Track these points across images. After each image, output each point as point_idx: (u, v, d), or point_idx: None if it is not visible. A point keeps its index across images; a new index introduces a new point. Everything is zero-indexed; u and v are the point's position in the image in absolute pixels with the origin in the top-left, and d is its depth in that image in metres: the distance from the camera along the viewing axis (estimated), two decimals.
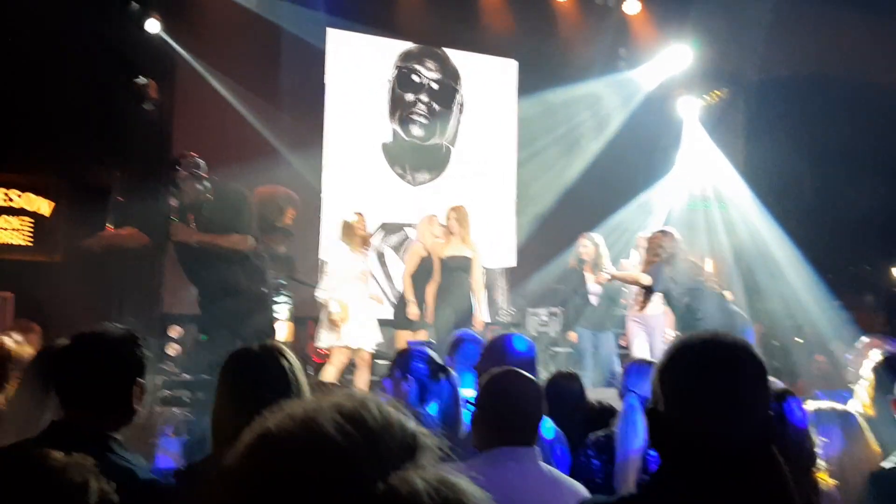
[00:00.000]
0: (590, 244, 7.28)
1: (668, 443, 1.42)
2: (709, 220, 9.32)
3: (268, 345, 2.20)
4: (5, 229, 7.46)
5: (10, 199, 7.51)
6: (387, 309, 7.32)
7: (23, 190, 7.57)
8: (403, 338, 6.55)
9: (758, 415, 1.40)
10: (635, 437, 2.83)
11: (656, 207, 9.09)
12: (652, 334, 7.18)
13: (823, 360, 7.12)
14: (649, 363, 3.12)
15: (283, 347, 2.18)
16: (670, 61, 9.56)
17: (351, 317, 6.29)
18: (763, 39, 8.87)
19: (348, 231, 6.62)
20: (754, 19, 8.73)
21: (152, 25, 7.67)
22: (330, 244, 7.57)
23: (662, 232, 6.82)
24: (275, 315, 5.31)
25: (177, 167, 5.04)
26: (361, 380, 6.37)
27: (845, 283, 8.81)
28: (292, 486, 0.61)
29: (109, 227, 7.29)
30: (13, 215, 7.49)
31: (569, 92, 9.23)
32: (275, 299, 5.37)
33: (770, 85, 9.57)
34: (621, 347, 7.43)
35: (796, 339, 8.06)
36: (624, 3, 9.70)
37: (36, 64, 7.09)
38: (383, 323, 7.03)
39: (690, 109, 9.85)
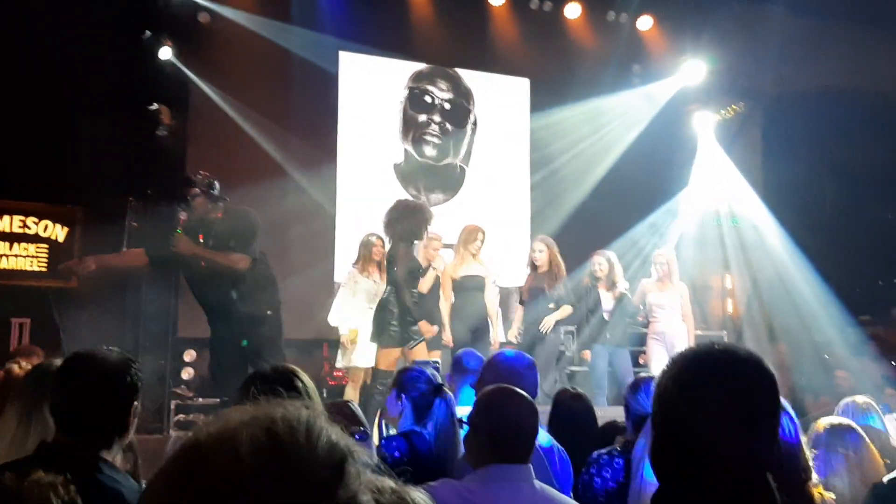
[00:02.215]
0: (604, 261, 7.21)
1: (673, 458, 1.35)
2: (724, 236, 9.21)
3: (281, 367, 2.20)
4: (21, 256, 7.54)
5: (26, 227, 7.59)
6: None
7: (38, 217, 7.66)
8: (415, 357, 6.50)
9: (769, 430, 1.33)
10: None
11: (671, 224, 8.99)
12: (671, 351, 7.09)
13: (845, 376, 6.98)
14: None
15: (297, 369, 2.17)
16: (684, 76, 9.51)
17: (361, 338, 6.33)
18: (780, 53, 8.79)
19: (365, 254, 6.65)
20: (771, 33, 8.66)
21: (165, 52, 7.76)
22: (343, 267, 7.58)
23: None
24: (280, 337, 5.29)
25: (189, 184, 5.12)
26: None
27: (865, 300, 8.65)
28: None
29: (124, 252, 7.34)
30: (29, 242, 7.57)
31: (582, 109, 9.20)
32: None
33: (788, 99, 9.48)
34: (639, 365, 7.33)
35: (825, 356, 7.92)
36: (637, 19, 9.69)
37: (49, 92, 7.19)
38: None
39: (706, 124, 9.77)
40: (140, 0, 7.73)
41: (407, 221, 6.27)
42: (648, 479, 2.73)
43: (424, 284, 6.61)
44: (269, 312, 5.16)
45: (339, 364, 6.78)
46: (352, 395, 6.38)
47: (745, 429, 1.30)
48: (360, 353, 6.48)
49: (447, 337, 6.74)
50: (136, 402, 1.93)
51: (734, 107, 9.85)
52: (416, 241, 6.46)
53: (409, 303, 6.14)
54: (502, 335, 7.28)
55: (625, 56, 9.67)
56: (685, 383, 1.34)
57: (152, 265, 5.52)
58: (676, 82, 9.61)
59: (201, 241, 5.11)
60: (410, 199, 7.25)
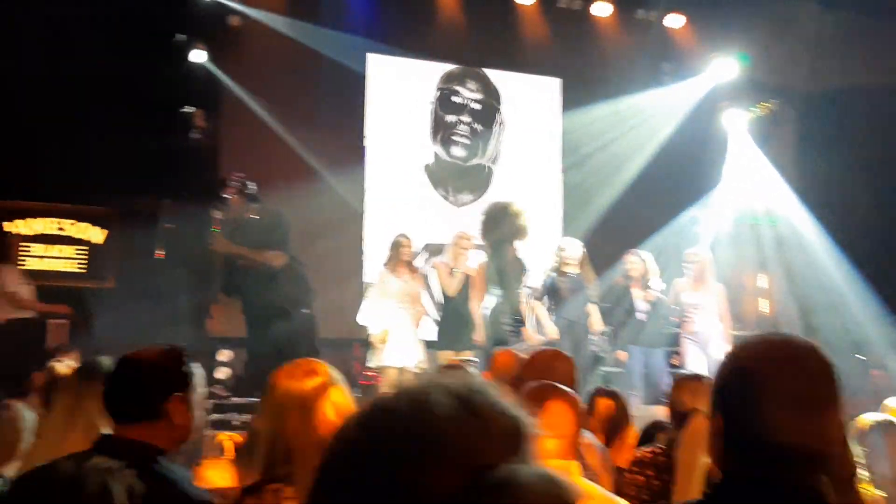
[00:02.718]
0: (637, 261, 7.16)
1: (733, 447, 1.32)
2: (758, 235, 9.10)
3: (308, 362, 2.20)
4: (60, 258, 7.66)
5: (64, 229, 7.72)
6: (432, 329, 7.30)
7: (75, 220, 7.78)
8: (446, 360, 6.52)
9: (832, 417, 1.30)
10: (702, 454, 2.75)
11: (704, 223, 8.90)
12: (706, 351, 7.03)
13: (881, 375, 6.87)
14: (706, 377, 3.04)
15: (325, 365, 2.18)
16: (715, 74, 9.42)
17: (392, 338, 6.37)
18: (813, 49, 8.68)
19: (395, 254, 6.68)
20: (803, 29, 8.56)
21: (197, 56, 7.84)
22: (372, 267, 7.62)
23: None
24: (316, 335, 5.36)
25: (225, 185, 5.25)
26: None
27: None
28: (393, 462, 0.60)
29: (159, 252, 7.44)
30: (66, 244, 7.69)
31: (612, 108, 9.14)
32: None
33: (822, 96, 9.35)
34: (673, 366, 7.27)
35: (858, 356, 7.80)
36: (666, 17, 9.62)
37: (85, 96, 7.31)
38: (430, 345, 7.03)
39: (737, 122, 9.66)
40: (173, 4, 7.81)
41: (508, 222, 6.35)
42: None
43: (453, 286, 6.62)
44: (303, 310, 5.24)
45: (370, 364, 6.81)
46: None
47: (807, 414, 1.28)
48: (391, 353, 6.51)
49: (480, 336, 6.74)
50: (192, 394, 1.94)
51: (766, 104, 9.73)
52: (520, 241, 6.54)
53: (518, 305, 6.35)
54: (535, 335, 7.27)
55: (655, 54, 9.60)
56: (745, 369, 1.32)
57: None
58: (707, 80, 9.51)
59: (237, 240, 5.22)
60: (500, 200, 7.25)
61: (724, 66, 9.36)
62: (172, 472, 1.85)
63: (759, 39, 9.00)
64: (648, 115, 9.36)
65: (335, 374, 2.05)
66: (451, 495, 0.58)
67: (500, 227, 6.21)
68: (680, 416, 2.90)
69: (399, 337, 6.52)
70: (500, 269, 6.50)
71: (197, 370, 1.98)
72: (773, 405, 1.27)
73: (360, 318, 6.71)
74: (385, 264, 6.78)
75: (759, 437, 1.27)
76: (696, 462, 2.73)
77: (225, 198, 5.24)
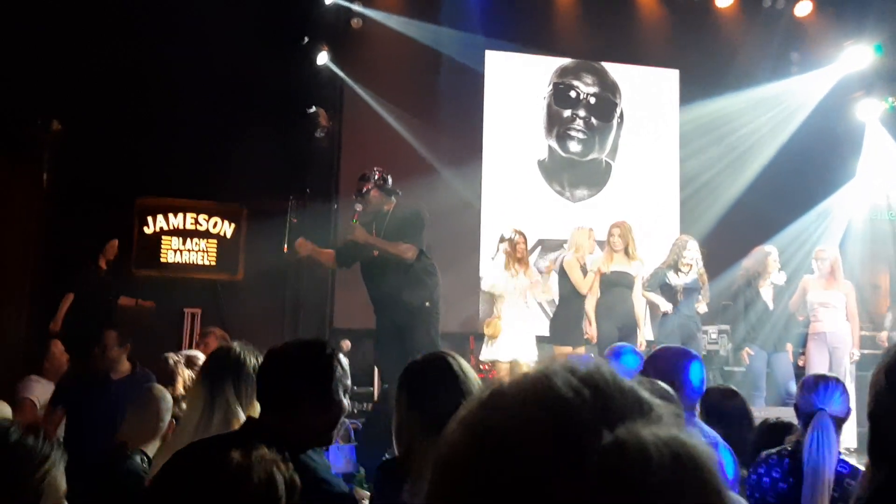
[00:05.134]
0: (762, 257, 6.92)
1: (890, 451, 1.31)
2: (894, 232, 8.60)
3: (431, 355, 2.28)
4: (194, 251, 8.12)
5: (198, 223, 8.18)
6: (545, 325, 7.32)
7: (209, 215, 8.23)
8: (563, 354, 6.52)
9: None
10: (829, 456, 2.67)
11: (835, 218, 8.49)
12: (834, 353, 6.73)
13: None
14: (834, 378, 2.94)
15: (448, 353, 2.24)
16: (847, 63, 8.95)
17: (504, 332, 6.43)
18: None
19: (508, 250, 6.74)
20: None
21: (322, 58, 8.13)
22: (487, 262, 7.70)
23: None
24: (435, 329, 5.49)
25: (365, 179, 5.47)
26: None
27: None
28: (518, 433, 0.61)
29: (286, 247, 7.77)
30: (200, 238, 8.15)
31: (735, 100, 8.85)
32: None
33: None
34: (798, 367, 7.00)
35: None
36: (795, 5, 9.22)
37: (218, 99, 7.72)
38: (543, 340, 7.04)
39: (872, 113, 9.15)
40: (298, 9, 8.12)
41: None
42: (821, 477, 2.63)
43: (586, 284, 6.63)
44: (427, 304, 5.37)
45: (482, 357, 6.91)
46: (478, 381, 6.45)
47: None
48: (504, 347, 6.57)
49: (591, 332, 6.72)
50: (336, 384, 2.00)
51: None
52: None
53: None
54: (649, 334, 7.16)
55: (782, 44, 9.23)
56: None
57: (338, 263, 5.91)
58: (838, 70, 9.05)
59: (374, 233, 5.46)
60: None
61: (856, 55, 8.89)
62: (316, 463, 1.92)
63: (894, 26, 8.49)
64: (775, 106, 9.00)
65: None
66: (574, 464, 0.58)
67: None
68: (807, 418, 2.82)
69: (512, 331, 6.58)
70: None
71: (342, 362, 2.04)
72: None
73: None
74: (498, 259, 6.85)
75: None
76: (823, 466, 2.66)
77: (365, 191, 5.48)
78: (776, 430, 3.30)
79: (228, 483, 1.37)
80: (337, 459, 3.86)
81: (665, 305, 6.72)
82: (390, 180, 5.58)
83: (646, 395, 0.66)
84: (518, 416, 0.63)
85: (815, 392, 2.87)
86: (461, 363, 2.20)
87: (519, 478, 0.59)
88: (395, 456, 2.19)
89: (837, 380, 2.96)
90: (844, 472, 2.75)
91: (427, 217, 5.56)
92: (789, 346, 7.01)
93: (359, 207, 5.47)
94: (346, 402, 2.02)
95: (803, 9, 9.26)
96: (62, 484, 1.36)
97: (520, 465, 0.60)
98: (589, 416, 0.61)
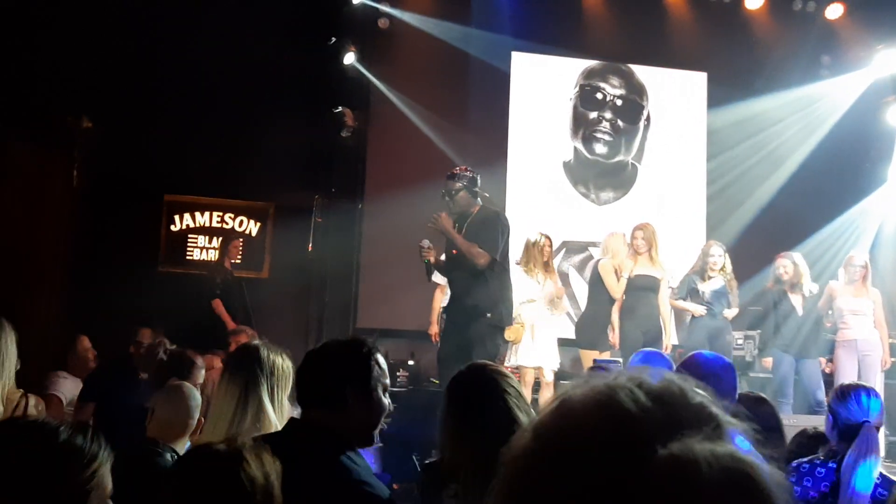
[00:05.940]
0: (789, 264, 6.86)
1: None
2: None
3: (478, 365, 2.29)
4: (220, 249, 8.16)
5: (224, 222, 8.23)
6: (570, 328, 7.28)
7: (235, 214, 8.28)
8: (589, 358, 6.49)
9: None
10: (874, 466, 2.65)
11: (865, 224, 8.38)
12: (864, 361, 6.65)
13: None
14: (873, 389, 2.91)
15: (500, 368, 2.24)
16: (879, 67, 8.83)
17: (527, 337, 6.39)
18: None
19: (533, 253, 6.70)
20: None
21: (349, 58, 8.15)
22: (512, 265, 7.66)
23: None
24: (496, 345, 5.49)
25: (454, 178, 5.45)
26: (545, 399, 6.39)
27: None
28: (580, 442, 0.63)
29: (311, 246, 7.81)
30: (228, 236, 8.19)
31: (764, 104, 8.76)
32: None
33: None
34: (826, 375, 6.92)
35: None
36: (826, 7, 9.11)
37: (245, 98, 7.77)
38: (568, 343, 7.02)
39: None
40: (326, 9, 8.15)
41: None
42: (861, 490, 2.60)
43: (620, 289, 6.61)
44: (488, 315, 5.35)
45: (508, 363, 6.84)
46: (524, 394, 6.43)
47: None
48: (528, 353, 6.53)
49: (615, 338, 6.68)
50: (375, 384, 2.00)
51: None
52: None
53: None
54: (675, 338, 7.11)
55: (813, 47, 9.11)
56: None
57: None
58: (870, 73, 8.93)
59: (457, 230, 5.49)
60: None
61: (888, 59, 8.77)
62: (357, 465, 1.91)
63: None
64: (804, 109, 8.90)
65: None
66: (627, 476, 0.60)
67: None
68: (846, 430, 2.78)
69: (536, 336, 6.53)
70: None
71: (380, 360, 2.04)
72: None
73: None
74: (522, 263, 6.79)
75: None
76: (869, 479, 2.63)
77: (453, 192, 5.45)
78: (814, 440, 3.26)
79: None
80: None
81: (699, 309, 6.67)
82: (479, 181, 5.54)
83: (716, 410, 0.67)
84: (582, 425, 0.64)
85: (858, 403, 2.84)
86: (507, 376, 2.23)
87: (578, 485, 0.61)
88: (440, 458, 2.21)
89: (874, 390, 2.93)
90: (876, 483, 2.72)
91: (507, 226, 5.52)
92: (818, 354, 6.93)
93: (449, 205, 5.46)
94: (386, 400, 2.02)
95: (834, 11, 9.15)
96: (109, 483, 1.37)
97: (579, 472, 0.62)
98: (648, 430, 0.62)
